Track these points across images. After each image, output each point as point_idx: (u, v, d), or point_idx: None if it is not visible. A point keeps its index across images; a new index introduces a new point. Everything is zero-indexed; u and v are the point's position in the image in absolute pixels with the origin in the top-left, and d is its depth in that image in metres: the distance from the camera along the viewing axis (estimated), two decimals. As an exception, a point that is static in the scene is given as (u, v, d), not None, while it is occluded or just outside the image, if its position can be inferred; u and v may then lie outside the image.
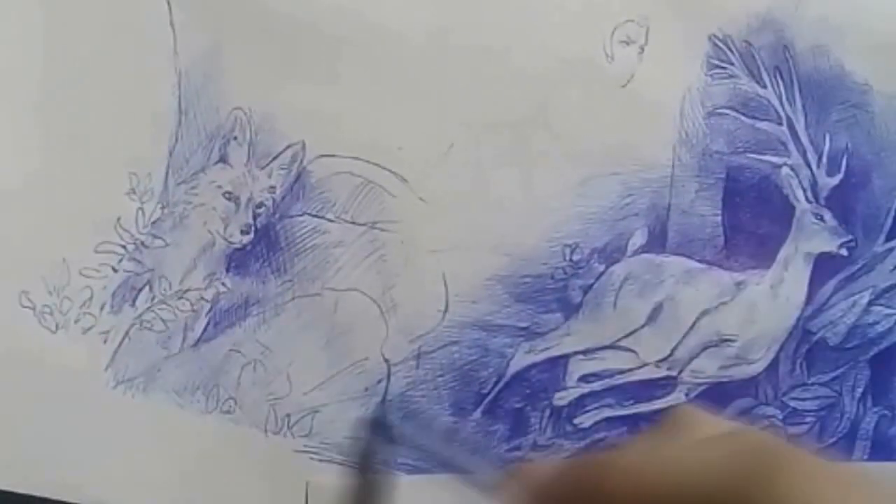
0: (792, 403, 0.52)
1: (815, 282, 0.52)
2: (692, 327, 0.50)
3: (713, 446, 0.31)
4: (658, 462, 0.31)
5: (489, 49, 0.46)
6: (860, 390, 0.52)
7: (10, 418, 0.41)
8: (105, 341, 0.43)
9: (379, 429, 0.45)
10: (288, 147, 0.44)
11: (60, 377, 0.42)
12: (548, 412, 0.49)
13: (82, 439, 0.42)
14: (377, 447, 0.45)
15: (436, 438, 0.44)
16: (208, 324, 0.44)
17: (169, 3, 0.42)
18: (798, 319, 0.52)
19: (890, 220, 0.53)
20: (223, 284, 0.44)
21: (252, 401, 0.44)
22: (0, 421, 0.41)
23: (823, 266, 0.52)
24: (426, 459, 0.45)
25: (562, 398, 0.49)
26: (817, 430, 0.52)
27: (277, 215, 0.44)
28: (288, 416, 0.45)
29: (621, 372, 0.50)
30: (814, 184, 0.51)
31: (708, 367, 0.51)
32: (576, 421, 0.49)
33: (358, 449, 0.45)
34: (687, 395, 0.51)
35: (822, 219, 0.52)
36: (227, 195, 0.44)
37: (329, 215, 0.45)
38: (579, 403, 0.49)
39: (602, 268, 0.49)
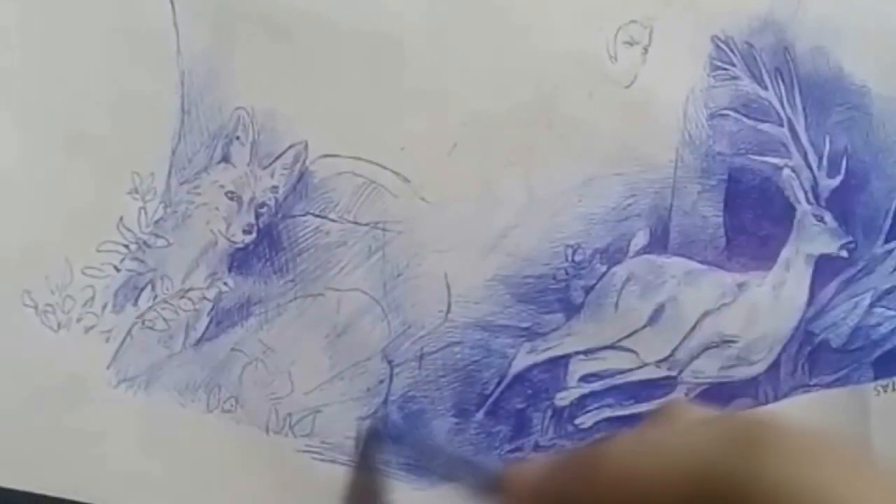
0: (793, 405, 0.52)
1: (817, 283, 0.52)
2: (693, 328, 0.51)
3: (700, 430, 0.30)
4: (648, 449, 0.31)
5: (492, 49, 0.46)
6: (862, 392, 0.52)
7: (11, 417, 0.41)
8: (107, 340, 0.42)
9: (376, 436, 0.46)
10: (290, 147, 0.44)
11: (62, 376, 0.42)
12: (549, 412, 0.49)
13: (83, 438, 0.42)
14: (376, 452, 0.45)
15: (431, 447, 0.44)
16: (210, 323, 0.44)
17: (172, 3, 0.42)
18: (800, 321, 0.52)
19: (889, 222, 0.53)
20: (225, 284, 0.44)
21: (253, 400, 0.44)
22: (1, 419, 0.41)
23: (824, 268, 0.52)
24: (422, 468, 0.45)
25: (563, 398, 0.49)
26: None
27: (280, 215, 0.44)
28: (289, 415, 0.45)
29: (622, 372, 0.50)
30: (814, 185, 0.52)
31: (709, 368, 0.51)
32: (577, 421, 0.49)
33: (357, 454, 0.45)
34: (687, 395, 0.51)
35: (822, 220, 0.52)
36: (229, 195, 0.44)
37: (331, 215, 0.45)
38: (580, 404, 0.49)
39: (604, 268, 0.49)
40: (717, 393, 0.51)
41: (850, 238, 0.52)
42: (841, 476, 0.28)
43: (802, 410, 0.51)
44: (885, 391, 0.52)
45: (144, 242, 0.43)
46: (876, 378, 0.52)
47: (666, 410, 0.34)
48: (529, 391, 0.48)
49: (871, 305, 0.53)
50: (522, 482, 0.35)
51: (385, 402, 0.46)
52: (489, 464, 0.43)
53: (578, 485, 0.32)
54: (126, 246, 0.43)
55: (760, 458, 0.28)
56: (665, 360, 0.50)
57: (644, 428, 0.34)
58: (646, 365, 0.50)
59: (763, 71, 0.50)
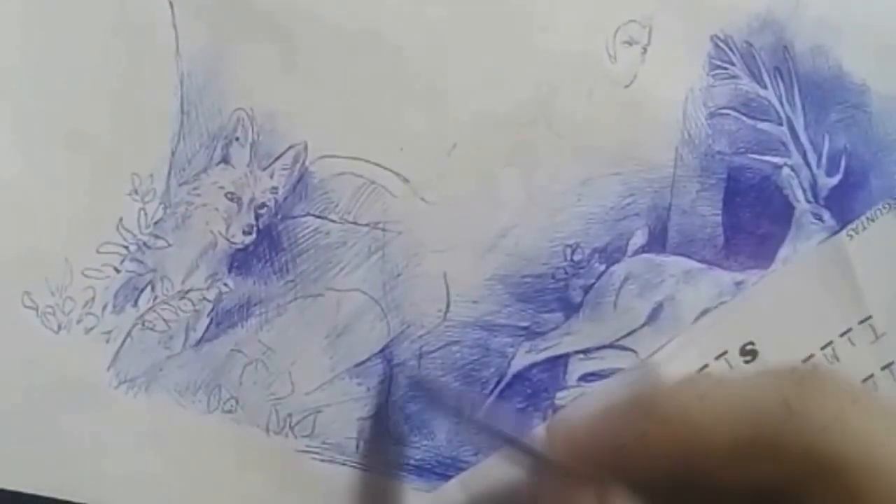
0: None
1: (815, 282, 0.52)
2: (692, 327, 0.51)
3: (756, 376, 0.30)
4: (704, 392, 0.31)
5: (491, 49, 0.46)
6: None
7: (11, 418, 0.41)
8: (107, 341, 0.43)
9: (386, 423, 0.46)
10: (290, 147, 0.44)
11: (63, 378, 0.42)
12: (550, 412, 0.49)
13: (84, 439, 0.42)
14: (384, 444, 0.46)
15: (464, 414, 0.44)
16: (210, 324, 0.44)
17: (171, 4, 0.42)
18: (798, 319, 0.52)
19: (888, 221, 0.53)
20: (225, 285, 0.44)
21: (254, 401, 0.44)
22: (2, 421, 0.41)
23: (823, 266, 0.52)
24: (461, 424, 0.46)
25: (563, 398, 0.49)
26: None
27: (280, 216, 0.44)
28: (290, 416, 0.45)
29: (621, 371, 0.50)
30: (813, 184, 0.52)
31: (707, 367, 0.51)
32: (577, 421, 0.49)
33: (366, 446, 0.45)
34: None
35: (821, 219, 0.52)
36: (229, 196, 0.44)
37: (331, 216, 0.45)
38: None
39: (603, 268, 0.49)
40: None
41: (849, 237, 0.52)
42: (885, 425, 0.28)
43: (791, 277, 0.51)
44: (857, 233, 0.52)
45: (144, 243, 0.43)
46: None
47: (699, 375, 0.34)
48: (529, 391, 0.48)
49: (870, 304, 0.53)
50: (570, 431, 0.34)
51: (386, 401, 0.46)
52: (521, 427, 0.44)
53: (632, 427, 0.32)
54: (126, 247, 0.43)
55: (812, 404, 0.28)
56: (664, 358, 0.50)
57: (693, 377, 0.34)
58: (645, 364, 0.50)
59: (762, 70, 0.50)
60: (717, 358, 0.50)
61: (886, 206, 0.52)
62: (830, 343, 0.51)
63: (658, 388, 0.32)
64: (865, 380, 0.52)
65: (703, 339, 0.50)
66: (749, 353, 0.50)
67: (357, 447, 0.46)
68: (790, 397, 0.29)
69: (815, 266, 0.51)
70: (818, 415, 0.29)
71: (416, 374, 0.46)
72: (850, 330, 0.51)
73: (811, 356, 0.51)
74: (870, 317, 0.51)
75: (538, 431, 0.35)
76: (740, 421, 0.30)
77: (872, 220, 0.52)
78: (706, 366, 0.50)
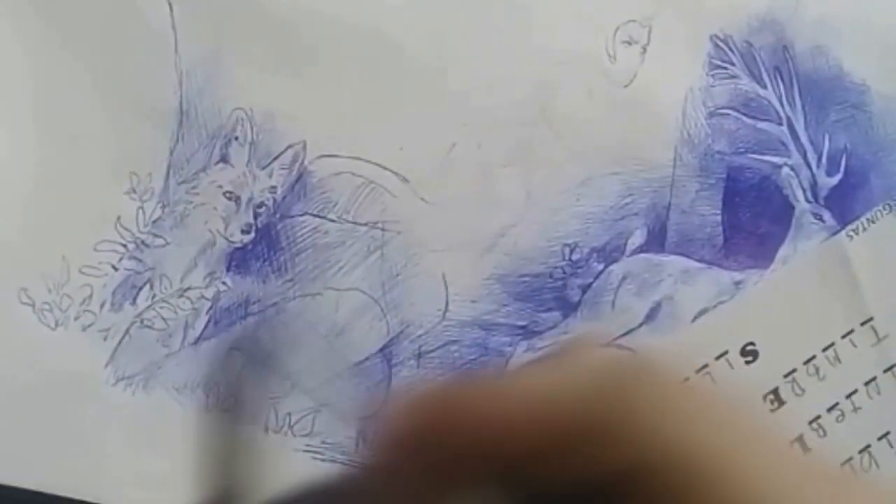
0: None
1: (815, 282, 0.52)
2: (691, 327, 0.51)
3: (589, 364, 0.29)
4: (531, 379, 0.29)
5: (491, 49, 0.46)
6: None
7: (9, 415, 0.41)
8: (105, 339, 0.43)
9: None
10: (289, 147, 0.44)
11: (60, 374, 0.42)
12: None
13: (81, 436, 0.42)
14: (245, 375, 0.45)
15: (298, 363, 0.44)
16: (209, 322, 0.44)
17: (170, 3, 0.42)
18: (797, 319, 0.52)
19: (888, 220, 0.53)
20: (224, 283, 0.44)
21: (252, 399, 0.44)
22: None
23: (822, 266, 0.52)
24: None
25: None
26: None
27: (278, 215, 0.44)
28: (289, 415, 0.45)
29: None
30: (813, 184, 0.52)
31: (707, 367, 0.51)
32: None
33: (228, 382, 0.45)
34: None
35: (821, 219, 0.52)
36: (227, 195, 0.44)
37: (330, 215, 0.45)
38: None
39: (601, 267, 0.49)
40: (716, 391, 0.51)
41: (849, 237, 0.52)
42: (711, 417, 0.27)
43: (788, 278, 0.51)
44: (857, 233, 0.52)
45: (142, 242, 0.43)
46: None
47: (568, 346, 0.32)
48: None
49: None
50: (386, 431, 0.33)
51: (385, 400, 0.46)
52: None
53: (449, 415, 0.30)
54: (124, 245, 0.43)
55: (643, 389, 0.27)
56: (663, 358, 0.50)
57: (538, 361, 0.32)
58: (644, 363, 0.50)
59: (762, 70, 0.50)
60: (718, 358, 0.50)
61: (887, 206, 0.52)
62: (832, 345, 0.51)
63: (455, 386, 0.31)
64: (868, 382, 0.52)
65: (702, 339, 0.50)
66: (749, 353, 0.50)
67: (356, 446, 0.46)
68: (614, 395, 0.28)
69: (816, 267, 0.51)
70: (640, 410, 0.27)
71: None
72: (851, 332, 0.51)
73: (813, 357, 0.51)
74: (871, 318, 0.51)
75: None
76: (553, 416, 0.28)
77: (873, 222, 0.52)
78: (706, 365, 0.50)
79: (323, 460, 0.45)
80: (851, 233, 0.52)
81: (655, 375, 0.28)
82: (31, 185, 0.42)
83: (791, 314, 0.51)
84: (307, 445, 0.45)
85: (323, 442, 0.45)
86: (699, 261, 0.50)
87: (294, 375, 0.43)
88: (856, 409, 0.51)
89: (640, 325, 0.50)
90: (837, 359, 0.51)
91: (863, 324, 0.52)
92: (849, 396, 0.51)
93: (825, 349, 0.51)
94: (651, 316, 0.50)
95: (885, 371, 0.52)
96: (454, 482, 0.30)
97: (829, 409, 0.51)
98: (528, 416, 0.28)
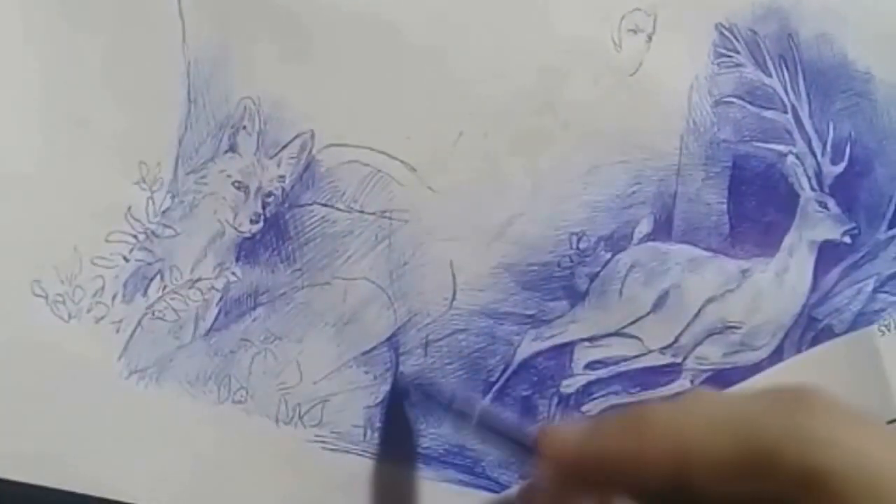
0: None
1: (820, 270, 0.52)
2: (697, 315, 0.51)
3: (746, 397, 0.31)
4: (695, 410, 0.31)
5: (497, 38, 0.46)
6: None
7: (22, 408, 0.41)
8: (117, 331, 0.43)
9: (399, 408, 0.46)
10: (297, 136, 0.44)
11: (73, 367, 0.42)
12: (555, 400, 0.49)
13: (94, 429, 0.42)
14: (398, 432, 0.46)
15: (462, 408, 0.44)
16: (219, 313, 0.44)
17: (178, -8, 0.42)
18: (803, 307, 0.52)
19: (892, 208, 0.54)
20: (233, 274, 0.44)
21: (263, 391, 0.44)
22: (12, 411, 0.41)
23: (827, 254, 0.52)
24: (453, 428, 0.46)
25: (569, 386, 0.49)
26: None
27: (287, 204, 0.44)
28: (298, 405, 0.45)
29: (626, 359, 0.50)
30: (818, 172, 0.52)
31: (712, 354, 0.51)
32: (583, 408, 0.49)
33: (383, 431, 0.45)
34: (692, 381, 0.51)
35: (825, 207, 0.52)
36: (236, 184, 0.44)
37: (338, 204, 0.45)
38: (586, 391, 0.49)
39: (608, 256, 0.49)
40: (721, 379, 0.51)
41: (854, 224, 0.52)
42: (877, 442, 0.29)
43: (816, 363, 0.51)
44: (889, 330, 0.52)
45: (153, 232, 0.43)
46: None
47: (692, 393, 0.34)
48: (535, 378, 0.48)
49: (875, 291, 0.53)
50: (560, 443, 0.35)
51: (393, 390, 0.46)
52: (524, 426, 0.44)
53: (621, 443, 0.32)
54: (135, 236, 0.43)
55: (807, 420, 0.29)
56: (669, 346, 0.51)
57: (686, 394, 0.34)
58: (650, 352, 0.50)
59: (767, 58, 0.51)
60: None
61: None
62: None
63: (650, 405, 0.33)
64: None
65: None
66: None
67: (365, 436, 0.46)
68: (782, 415, 0.30)
69: (845, 357, 0.51)
70: (810, 431, 0.29)
71: (413, 378, 0.46)
72: None
73: None
74: None
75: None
76: (732, 437, 0.30)
77: None
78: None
79: (333, 450, 0.45)
80: (883, 328, 0.52)
81: (820, 402, 0.30)
82: (42, 177, 0.41)
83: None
84: (317, 436, 0.45)
85: (332, 432, 0.45)
86: (706, 249, 0.50)
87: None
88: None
89: (648, 313, 0.50)
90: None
91: (890, 422, 0.51)
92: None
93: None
94: (658, 304, 0.50)
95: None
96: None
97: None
98: (712, 443, 0.30)
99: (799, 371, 0.51)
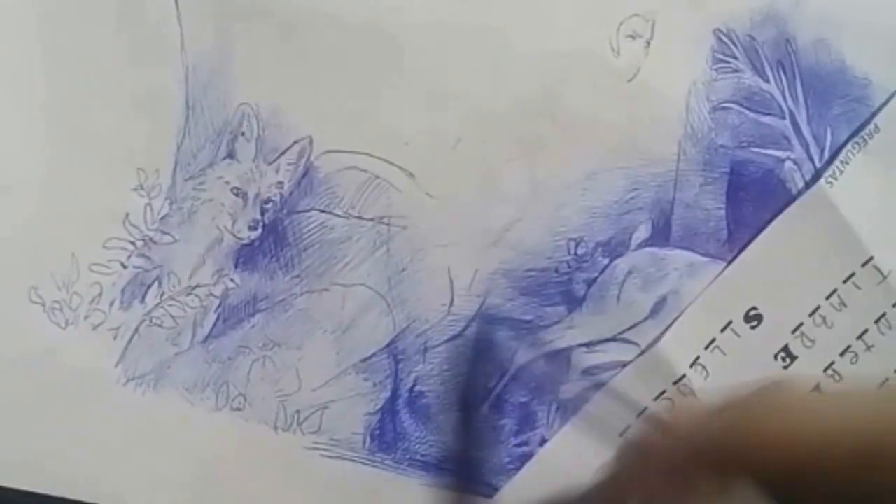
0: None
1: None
2: (695, 320, 0.51)
3: (879, 391, 0.30)
4: (828, 400, 0.31)
5: (495, 44, 0.46)
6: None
7: (20, 416, 0.41)
8: (115, 338, 0.42)
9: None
10: (295, 142, 0.44)
11: (71, 374, 0.42)
12: (554, 406, 0.49)
13: (93, 436, 0.42)
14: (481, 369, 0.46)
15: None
16: (217, 320, 0.44)
17: (176, -1, 0.42)
18: (801, 312, 0.52)
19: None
20: (232, 280, 0.44)
21: (261, 397, 0.44)
22: (10, 418, 0.41)
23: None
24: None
25: (567, 391, 0.49)
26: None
27: (285, 211, 0.44)
28: (297, 412, 0.45)
29: (624, 365, 0.50)
30: (816, 178, 0.52)
31: (710, 360, 0.51)
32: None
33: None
34: (690, 387, 0.51)
35: (823, 212, 0.52)
36: (234, 191, 0.44)
37: (337, 210, 0.45)
38: (584, 397, 0.49)
39: (606, 261, 0.49)
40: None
41: (851, 230, 0.52)
42: None
43: (779, 237, 0.51)
44: (836, 178, 0.52)
45: (151, 239, 0.43)
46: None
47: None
48: (533, 384, 0.48)
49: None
50: (687, 422, 0.34)
51: (391, 396, 0.46)
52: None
53: (755, 423, 0.31)
54: (132, 242, 0.43)
55: None
56: (667, 352, 0.51)
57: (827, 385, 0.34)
58: (648, 357, 0.50)
59: (765, 64, 0.51)
60: (723, 330, 0.50)
61: (856, 146, 0.52)
62: (835, 291, 0.51)
63: (786, 386, 0.32)
64: (878, 320, 0.51)
65: (704, 315, 0.50)
66: (753, 318, 0.50)
67: (364, 443, 0.46)
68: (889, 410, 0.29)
69: (802, 220, 0.51)
70: None
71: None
72: (853, 275, 0.51)
73: (817, 308, 0.51)
74: (871, 258, 0.51)
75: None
76: (864, 428, 0.30)
77: (847, 163, 0.52)
78: (713, 340, 0.50)
79: (330, 457, 0.45)
80: (831, 179, 0.52)
81: None
82: (39, 183, 0.41)
83: (788, 271, 0.51)
84: (315, 443, 0.45)
85: (331, 439, 0.45)
86: (704, 255, 0.50)
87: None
88: (869, 348, 0.51)
89: (646, 318, 0.50)
90: (843, 304, 0.51)
91: (863, 265, 0.51)
92: (860, 337, 0.51)
93: (828, 297, 0.51)
94: (656, 310, 0.50)
95: (894, 305, 0.52)
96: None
97: (842, 354, 0.51)
98: (844, 433, 0.29)
99: (762, 252, 0.51)
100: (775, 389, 0.32)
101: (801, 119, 0.51)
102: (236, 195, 0.44)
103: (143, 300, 0.43)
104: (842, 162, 0.51)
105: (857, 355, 0.51)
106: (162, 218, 0.43)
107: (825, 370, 0.51)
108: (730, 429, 0.32)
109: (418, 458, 0.47)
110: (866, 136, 0.52)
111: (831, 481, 0.30)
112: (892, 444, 0.29)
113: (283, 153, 0.44)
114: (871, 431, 0.29)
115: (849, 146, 0.52)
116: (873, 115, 0.52)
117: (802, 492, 0.30)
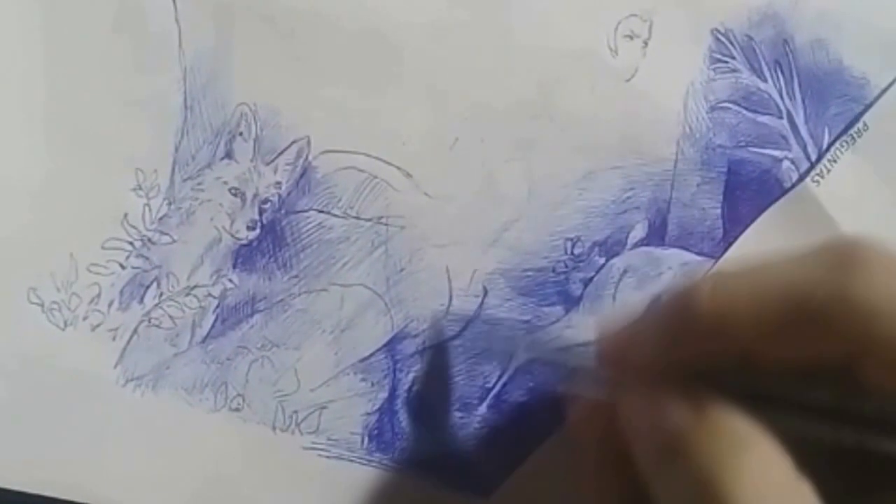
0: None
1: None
2: (691, 319, 0.51)
3: (795, 255, 0.30)
4: (742, 278, 0.30)
5: (492, 43, 0.46)
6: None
7: (19, 417, 0.41)
8: (114, 339, 0.43)
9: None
10: (293, 143, 0.44)
11: (70, 375, 0.42)
12: (552, 405, 0.49)
13: (90, 437, 0.42)
14: None
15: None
16: (216, 321, 0.44)
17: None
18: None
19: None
20: (230, 281, 0.44)
21: (260, 398, 0.44)
22: (9, 419, 0.41)
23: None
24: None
25: (564, 391, 0.49)
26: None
27: (283, 211, 0.44)
28: (296, 412, 0.45)
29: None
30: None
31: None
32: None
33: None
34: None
35: (820, 212, 0.52)
36: (233, 191, 0.44)
37: (335, 210, 0.45)
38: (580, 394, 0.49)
39: (602, 261, 0.49)
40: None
41: (847, 230, 0.53)
42: None
43: (766, 235, 0.51)
44: (822, 177, 0.52)
45: (149, 239, 0.43)
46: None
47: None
48: (531, 384, 0.48)
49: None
50: (617, 344, 0.34)
51: (390, 396, 0.46)
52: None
53: (678, 326, 0.31)
54: (131, 243, 0.43)
55: (858, 273, 0.28)
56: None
57: (733, 266, 0.33)
58: (645, 356, 0.50)
59: (763, 63, 0.51)
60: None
61: (844, 144, 0.52)
62: None
63: (697, 283, 0.32)
64: None
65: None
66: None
67: (362, 443, 0.46)
68: (828, 278, 0.29)
69: (788, 219, 0.51)
70: (867, 290, 0.28)
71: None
72: None
73: None
74: None
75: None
76: (787, 302, 0.29)
77: (834, 161, 0.52)
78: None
79: (329, 457, 0.45)
80: (817, 178, 0.52)
81: (868, 258, 0.28)
82: (37, 184, 0.41)
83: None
84: (313, 443, 0.45)
85: (329, 439, 0.45)
86: (699, 254, 0.50)
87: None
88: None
89: (643, 318, 0.50)
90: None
91: None
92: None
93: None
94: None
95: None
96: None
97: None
98: (770, 301, 0.29)
99: (753, 246, 0.50)
100: (690, 294, 0.32)
101: (799, 119, 0.51)
102: (234, 195, 0.44)
103: (141, 301, 0.43)
104: (829, 160, 0.51)
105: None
106: (160, 218, 0.43)
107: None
108: (653, 342, 0.32)
109: (417, 458, 0.47)
110: (855, 135, 0.52)
111: (763, 363, 0.29)
112: (812, 316, 0.28)
113: (281, 153, 0.44)
114: (789, 308, 0.29)
115: (837, 144, 0.52)
116: (861, 112, 0.52)
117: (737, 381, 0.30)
